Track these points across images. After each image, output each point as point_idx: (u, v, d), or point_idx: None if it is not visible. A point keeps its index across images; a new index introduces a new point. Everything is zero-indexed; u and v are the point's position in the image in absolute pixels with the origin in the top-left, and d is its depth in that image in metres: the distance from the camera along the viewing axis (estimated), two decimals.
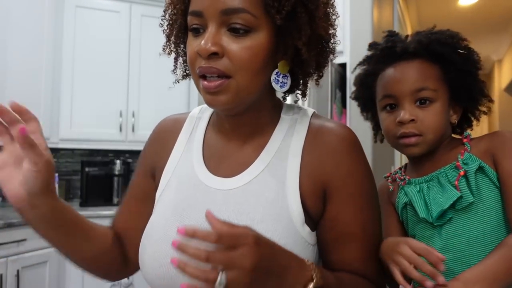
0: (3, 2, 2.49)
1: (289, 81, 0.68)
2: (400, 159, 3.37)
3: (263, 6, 0.61)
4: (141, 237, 0.71)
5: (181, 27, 0.69)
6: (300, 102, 0.78)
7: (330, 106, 2.09)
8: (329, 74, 2.08)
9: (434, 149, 0.79)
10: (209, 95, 0.63)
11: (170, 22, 0.70)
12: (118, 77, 2.98)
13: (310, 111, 0.75)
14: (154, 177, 0.77)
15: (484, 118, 0.87)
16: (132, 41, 3.02)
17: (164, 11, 0.72)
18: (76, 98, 2.87)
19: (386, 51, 0.82)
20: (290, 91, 0.74)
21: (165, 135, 0.79)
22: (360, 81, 0.88)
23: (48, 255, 2.43)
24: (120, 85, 2.98)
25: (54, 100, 2.80)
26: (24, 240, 2.27)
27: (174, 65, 0.75)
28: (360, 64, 0.88)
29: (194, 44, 0.63)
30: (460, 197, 0.72)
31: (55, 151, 3.17)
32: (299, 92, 0.74)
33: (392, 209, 0.85)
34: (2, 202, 2.77)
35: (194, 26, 0.63)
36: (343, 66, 2.29)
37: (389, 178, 0.88)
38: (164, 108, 2.95)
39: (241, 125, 0.71)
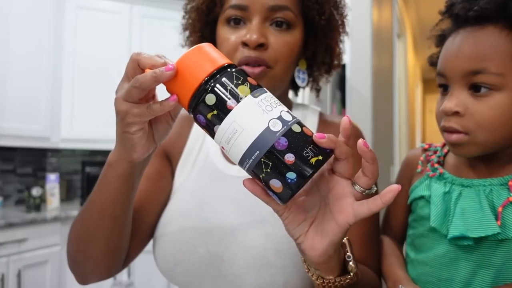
0: (4, 3, 2.50)
1: (307, 77, 0.75)
2: (399, 159, 3.37)
3: (301, 7, 0.68)
4: (152, 218, 0.70)
5: (211, 20, 0.71)
6: (300, 99, 0.82)
7: (330, 106, 2.10)
8: None
9: (495, 153, 0.60)
10: None
11: (199, 14, 0.72)
12: (118, 77, 2.92)
13: (317, 109, 0.80)
14: (168, 159, 0.76)
15: None
16: (133, 42, 3.02)
17: (185, 5, 0.75)
18: (77, 98, 2.88)
19: (451, 9, 0.61)
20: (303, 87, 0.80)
21: (181, 125, 0.79)
22: (435, 42, 0.69)
23: (49, 254, 2.44)
24: None
25: (55, 100, 2.81)
26: (25, 239, 2.28)
27: None
28: (440, 19, 0.67)
29: (235, 35, 0.66)
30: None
31: (56, 151, 3.18)
32: (315, 88, 0.82)
33: (406, 189, 0.71)
34: (3, 202, 2.78)
35: (235, 16, 0.66)
36: (342, 66, 2.30)
37: (424, 155, 0.71)
38: None
39: None
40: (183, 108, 0.77)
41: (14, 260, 2.21)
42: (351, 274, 0.50)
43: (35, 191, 2.57)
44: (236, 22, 0.66)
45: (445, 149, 0.70)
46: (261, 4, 0.64)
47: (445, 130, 0.59)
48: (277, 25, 0.66)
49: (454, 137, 0.57)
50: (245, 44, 0.64)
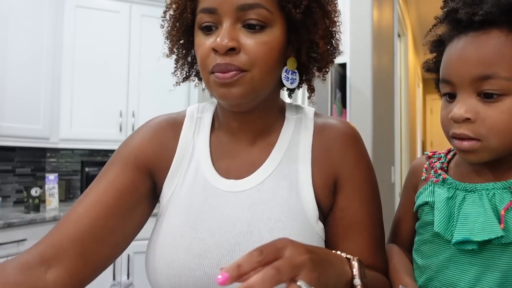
0: (3, 2, 2.49)
1: (297, 78, 0.69)
2: (400, 159, 3.36)
3: (277, 2, 0.62)
4: (120, 232, 0.66)
5: (186, 27, 0.68)
6: (300, 100, 0.79)
7: (330, 106, 2.09)
8: (329, 74, 2.08)
9: (500, 157, 0.59)
10: (223, 88, 0.61)
11: (174, 21, 0.69)
12: (118, 77, 2.98)
13: (311, 110, 0.76)
14: (148, 174, 0.70)
15: None
16: (132, 41, 3.02)
17: (164, 12, 0.71)
18: (76, 98, 2.87)
19: (452, 14, 0.59)
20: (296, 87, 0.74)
21: (164, 136, 0.73)
22: (430, 48, 0.68)
23: None
24: (120, 85, 2.98)
25: (54, 100, 2.80)
26: (24, 240, 2.27)
27: (175, 67, 0.74)
28: (435, 24, 0.66)
29: (207, 41, 0.62)
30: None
31: (55, 151, 3.17)
32: (308, 88, 0.75)
33: (413, 197, 0.71)
34: (1, 202, 2.77)
35: (206, 23, 0.62)
36: (343, 66, 2.29)
37: (428, 162, 0.71)
38: (164, 108, 2.94)
39: (249, 124, 0.70)
40: (157, 118, 0.75)
41: None
42: None
43: (34, 191, 2.56)
44: (208, 28, 0.62)
45: (449, 156, 0.70)
46: (229, 5, 0.60)
47: (455, 137, 0.58)
48: (249, 26, 0.60)
49: (466, 144, 0.56)
50: (215, 50, 0.60)
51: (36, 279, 0.58)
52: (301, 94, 2.07)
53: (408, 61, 4.05)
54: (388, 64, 2.91)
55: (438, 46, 0.65)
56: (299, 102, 2.11)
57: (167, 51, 0.72)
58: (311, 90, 0.75)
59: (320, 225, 0.66)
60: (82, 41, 2.89)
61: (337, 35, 0.71)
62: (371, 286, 0.57)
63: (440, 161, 0.69)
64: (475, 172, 0.62)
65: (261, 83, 0.63)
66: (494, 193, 0.57)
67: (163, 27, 0.71)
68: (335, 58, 0.72)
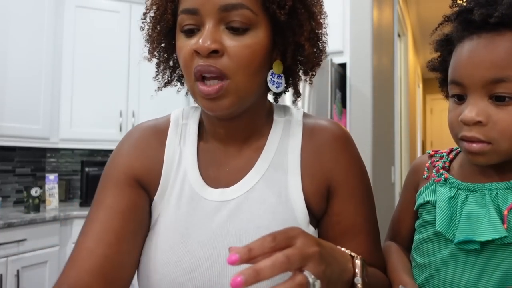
0: (3, 2, 2.49)
1: (283, 81, 0.67)
2: (400, 159, 3.36)
3: (261, 3, 0.59)
4: (135, 255, 0.65)
5: (167, 29, 0.66)
6: (299, 100, 0.77)
7: (330, 106, 2.09)
8: (329, 74, 2.08)
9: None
10: (208, 101, 0.59)
11: (155, 23, 0.66)
12: (118, 77, 2.98)
13: (300, 111, 0.74)
14: (142, 187, 0.68)
15: None
16: (132, 41, 3.02)
17: (144, 14, 0.68)
18: (76, 98, 2.87)
19: (465, 14, 0.58)
20: (282, 91, 0.73)
21: (148, 146, 0.70)
22: (435, 47, 0.67)
23: (48, 255, 2.43)
24: (120, 85, 2.99)
25: (54, 100, 2.80)
26: (24, 240, 2.27)
27: (156, 72, 0.71)
28: (441, 23, 0.65)
29: (189, 43, 0.59)
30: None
31: (55, 151, 3.17)
32: (294, 91, 0.73)
33: (413, 196, 0.71)
34: (1, 202, 2.77)
35: (187, 26, 0.60)
36: (343, 66, 2.29)
37: (430, 161, 0.70)
38: (163, 108, 2.94)
39: (237, 130, 0.68)
40: (137, 127, 0.72)
41: (13, 260, 2.21)
42: None
43: (34, 191, 2.56)
44: (190, 31, 0.60)
45: (451, 155, 0.69)
46: (212, 5, 0.57)
47: (465, 139, 0.57)
48: (233, 29, 0.58)
49: (476, 146, 0.56)
50: (198, 52, 0.58)
51: None
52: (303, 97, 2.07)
53: (408, 61, 4.05)
54: (388, 64, 2.91)
55: (446, 45, 0.63)
56: (299, 106, 2.11)
57: (147, 54, 0.70)
58: (297, 94, 0.73)
59: (311, 229, 0.66)
60: (82, 41, 2.90)
61: (323, 38, 0.68)
62: (372, 284, 0.57)
63: (442, 160, 0.69)
64: (478, 172, 0.62)
65: (246, 90, 0.61)
66: (497, 193, 0.57)
67: (143, 29, 0.69)
68: (321, 61, 0.70)
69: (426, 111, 7.48)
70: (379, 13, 2.51)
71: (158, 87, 0.72)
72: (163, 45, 0.68)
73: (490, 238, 0.54)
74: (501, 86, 0.53)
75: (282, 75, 0.66)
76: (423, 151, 6.91)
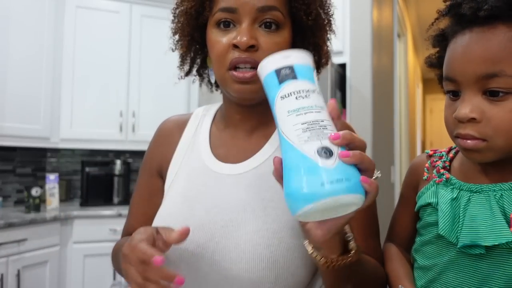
0: (3, 3, 2.49)
1: None
2: (399, 159, 3.37)
3: (288, 8, 0.68)
4: None
5: (201, 24, 0.72)
6: None
7: None
8: (329, 74, 2.09)
9: (507, 157, 0.57)
10: (240, 84, 0.67)
11: (188, 18, 0.73)
12: (118, 77, 2.99)
13: None
14: (159, 174, 0.80)
15: None
16: (132, 41, 3.02)
17: (175, 9, 0.75)
18: (76, 98, 2.87)
19: (455, 9, 0.57)
20: None
21: (170, 134, 0.81)
22: (432, 43, 0.65)
23: (49, 255, 2.43)
24: (121, 85, 2.99)
25: (55, 100, 2.81)
26: (24, 240, 2.28)
27: (181, 62, 0.79)
28: (437, 18, 0.63)
29: (225, 38, 0.67)
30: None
31: (55, 151, 3.18)
32: None
33: (412, 196, 0.69)
34: (2, 202, 2.77)
35: (224, 19, 0.67)
36: (342, 66, 2.29)
37: (429, 161, 0.68)
38: (164, 108, 2.95)
39: (251, 115, 0.75)
40: (165, 120, 0.84)
41: (13, 260, 2.21)
42: (352, 252, 0.53)
43: (35, 191, 2.56)
44: (226, 24, 0.67)
45: (451, 154, 0.67)
46: (250, 6, 0.65)
47: (460, 137, 0.56)
48: (266, 26, 0.66)
49: (470, 143, 0.54)
50: (236, 46, 0.65)
51: None
52: None
53: (408, 61, 4.05)
54: (388, 64, 2.92)
55: (441, 41, 0.62)
56: None
57: (174, 46, 0.78)
58: None
59: None
60: (83, 41, 2.90)
61: (329, 40, 0.78)
62: (364, 264, 0.60)
63: (442, 160, 0.67)
64: (480, 172, 0.60)
65: None
66: (502, 194, 0.55)
67: (174, 22, 0.76)
68: (327, 64, 0.78)
69: (426, 111, 7.48)
70: (379, 13, 2.52)
71: (180, 75, 0.81)
72: (193, 37, 0.75)
73: (496, 243, 0.52)
74: (494, 81, 0.51)
75: None
76: (423, 151, 6.90)
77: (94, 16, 2.94)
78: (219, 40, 0.67)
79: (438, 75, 0.65)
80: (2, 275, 2.14)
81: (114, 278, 2.56)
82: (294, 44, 0.71)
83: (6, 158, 2.88)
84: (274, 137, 0.73)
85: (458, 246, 0.56)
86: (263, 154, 0.72)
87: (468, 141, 0.54)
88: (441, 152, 0.69)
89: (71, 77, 2.86)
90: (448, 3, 0.59)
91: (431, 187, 0.64)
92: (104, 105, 2.95)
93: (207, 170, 0.73)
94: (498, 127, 0.52)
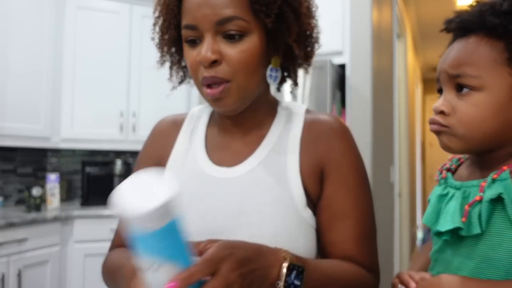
0: (4, 3, 2.50)
1: (279, 74, 0.72)
2: (399, 159, 3.37)
3: (252, 11, 0.65)
4: None
5: (173, 39, 0.73)
6: (300, 99, 0.82)
7: (329, 106, 2.10)
8: (328, 74, 2.09)
9: (489, 153, 0.63)
10: (214, 101, 0.68)
11: (162, 34, 0.74)
12: (118, 77, 2.99)
13: (303, 106, 0.80)
14: (159, 165, 0.79)
15: None
16: (133, 42, 3.03)
17: (153, 25, 0.75)
18: (77, 98, 2.88)
19: (447, 25, 0.68)
20: (282, 82, 0.79)
21: (166, 134, 0.81)
22: None
23: (50, 254, 2.44)
24: (121, 85, 3.00)
25: (55, 100, 2.81)
26: (25, 239, 2.28)
27: (170, 73, 0.79)
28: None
29: (193, 54, 0.67)
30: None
31: (56, 151, 3.18)
32: (292, 82, 0.79)
33: None
34: (3, 202, 2.78)
35: (190, 38, 0.67)
36: (342, 66, 2.30)
37: (442, 164, 0.74)
38: (164, 108, 2.95)
39: (242, 121, 0.75)
40: (161, 120, 0.83)
41: (14, 260, 2.22)
42: None
43: (35, 191, 2.57)
44: (193, 42, 0.67)
45: (462, 159, 0.72)
46: (208, 21, 0.64)
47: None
48: (229, 37, 0.65)
49: (434, 126, 0.64)
50: (200, 63, 0.65)
51: None
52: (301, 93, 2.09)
53: (407, 61, 4.06)
54: (388, 64, 2.93)
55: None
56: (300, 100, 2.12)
57: (159, 59, 0.77)
58: (295, 84, 0.80)
59: (309, 212, 0.70)
60: (83, 41, 2.91)
61: (314, 36, 0.74)
62: (318, 284, 0.60)
63: (450, 162, 0.73)
64: (470, 172, 0.67)
65: (246, 89, 0.68)
66: (471, 190, 0.62)
67: (153, 39, 0.76)
68: (312, 55, 0.76)
69: (425, 111, 7.49)
70: (379, 13, 2.52)
71: (173, 87, 0.80)
72: (173, 49, 0.76)
73: (448, 228, 0.60)
74: (460, 79, 0.61)
75: (278, 68, 0.72)
76: (423, 151, 6.92)
77: (95, 16, 2.95)
78: (188, 56, 0.68)
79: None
80: (3, 274, 2.14)
81: None
82: (268, 45, 0.69)
83: (7, 158, 2.88)
84: (267, 139, 0.74)
85: (432, 232, 0.65)
86: (256, 157, 0.72)
87: (434, 125, 0.64)
88: (457, 157, 0.75)
89: (71, 77, 2.87)
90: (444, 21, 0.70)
91: (437, 185, 0.71)
92: (105, 105, 2.96)
93: (202, 173, 0.73)
94: (461, 118, 0.61)
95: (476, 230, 0.57)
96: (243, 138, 0.75)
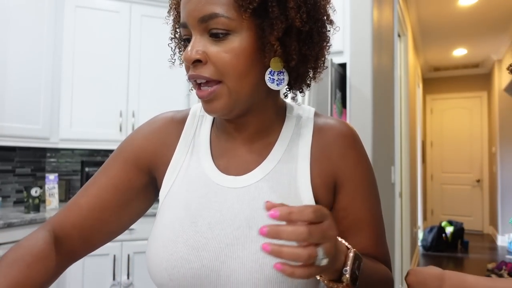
0: (3, 2, 2.49)
1: (286, 77, 0.65)
2: (400, 159, 3.36)
3: (237, 7, 0.60)
4: (111, 227, 0.72)
5: (182, 39, 0.73)
6: (300, 99, 0.80)
7: (330, 106, 2.09)
8: (329, 74, 2.08)
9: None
10: (204, 103, 0.65)
11: (173, 35, 0.75)
12: (118, 77, 2.98)
13: (312, 110, 0.77)
14: (147, 173, 0.74)
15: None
16: (132, 41, 3.02)
17: (173, 26, 0.76)
18: (76, 98, 2.87)
19: None
20: (292, 87, 0.71)
21: (165, 132, 0.76)
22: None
23: None
24: (120, 85, 2.99)
25: (54, 99, 2.80)
26: None
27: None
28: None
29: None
30: None
31: (55, 151, 3.17)
32: (299, 88, 0.72)
33: None
34: (2, 202, 2.77)
35: (185, 36, 0.66)
36: (343, 66, 2.29)
37: None
38: (164, 108, 2.95)
39: (245, 126, 0.71)
40: (160, 115, 0.79)
41: None
42: (343, 283, 0.57)
43: (34, 191, 2.56)
44: (188, 40, 0.66)
45: None
46: (193, 18, 0.62)
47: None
48: (214, 36, 0.61)
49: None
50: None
51: (52, 253, 0.65)
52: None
53: (408, 61, 4.05)
54: (388, 64, 2.91)
55: None
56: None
57: (174, 60, 0.77)
58: (300, 91, 0.73)
59: None
60: (82, 41, 2.90)
61: (315, 34, 0.65)
62: (367, 275, 0.62)
63: None
64: None
65: (238, 91, 0.63)
66: None
67: (172, 41, 0.76)
68: (317, 58, 0.67)
69: (426, 111, 7.48)
70: (379, 13, 2.51)
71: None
72: (182, 48, 0.75)
73: None
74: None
75: (283, 71, 0.65)
76: (423, 151, 6.91)
77: (94, 16, 2.94)
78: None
79: None
80: None
81: (114, 278, 2.56)
82: (262, 45, 0.62)
83: (6, 158, 2.87)
84: (277, 148, 0.71)
85: None
86: (265, 166, 0.69)
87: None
88: None
89: (70, 77, 2.86)
90: None
91: None
92: (104, 105, 2.95)
93: (208, 181, 0.70)
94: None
95: None
96: (250, 145, 0.72)
